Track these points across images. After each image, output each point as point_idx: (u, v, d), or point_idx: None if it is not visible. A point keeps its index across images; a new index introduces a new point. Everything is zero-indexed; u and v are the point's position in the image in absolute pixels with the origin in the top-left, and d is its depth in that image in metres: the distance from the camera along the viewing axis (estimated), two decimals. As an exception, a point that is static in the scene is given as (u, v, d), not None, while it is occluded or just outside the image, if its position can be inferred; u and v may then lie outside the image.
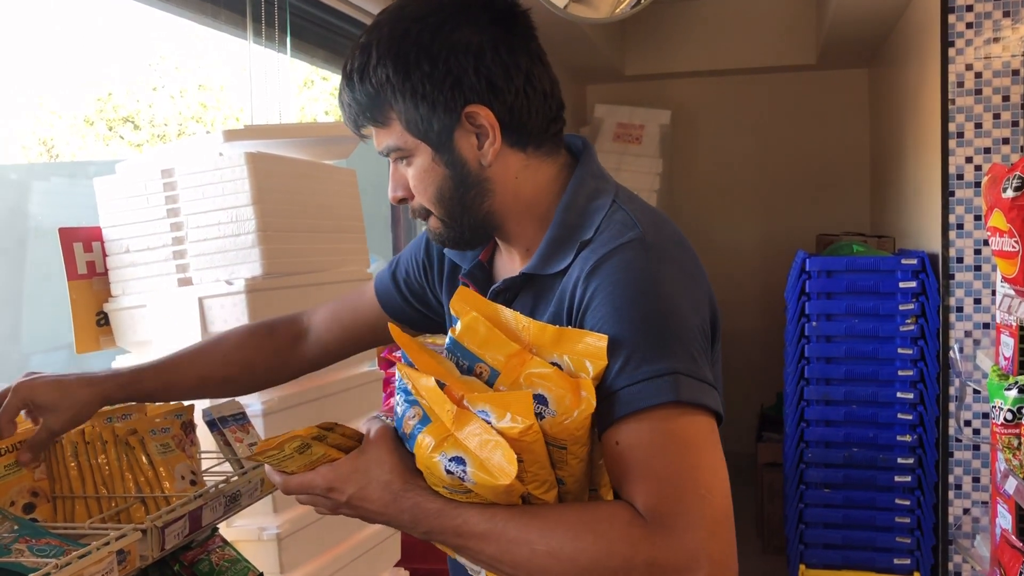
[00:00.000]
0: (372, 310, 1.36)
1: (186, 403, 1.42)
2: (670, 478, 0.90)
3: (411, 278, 1.32)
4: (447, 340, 0.99)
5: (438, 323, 1.34)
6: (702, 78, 5.71)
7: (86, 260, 1.69)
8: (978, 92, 3.30)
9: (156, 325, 1.66)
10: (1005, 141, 3.27)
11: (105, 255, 1.71)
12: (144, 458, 1.29)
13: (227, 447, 1.45)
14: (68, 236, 1.66)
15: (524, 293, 1.10)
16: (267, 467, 1.01)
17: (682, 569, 0.85)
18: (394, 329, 1.01)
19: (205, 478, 1.39)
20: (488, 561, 0.92)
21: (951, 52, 3.32)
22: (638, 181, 5.09)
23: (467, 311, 0.98)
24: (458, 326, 0.97)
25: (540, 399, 0.90)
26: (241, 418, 1.50)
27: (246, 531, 1.63)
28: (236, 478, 1.37)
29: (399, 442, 0.97)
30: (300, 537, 1.68)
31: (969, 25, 3.29)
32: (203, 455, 1.47)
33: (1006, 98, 3.27)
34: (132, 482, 1.28)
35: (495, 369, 0.94)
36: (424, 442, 0.91)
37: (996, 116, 3.28)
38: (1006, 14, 3.24)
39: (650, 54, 5.55)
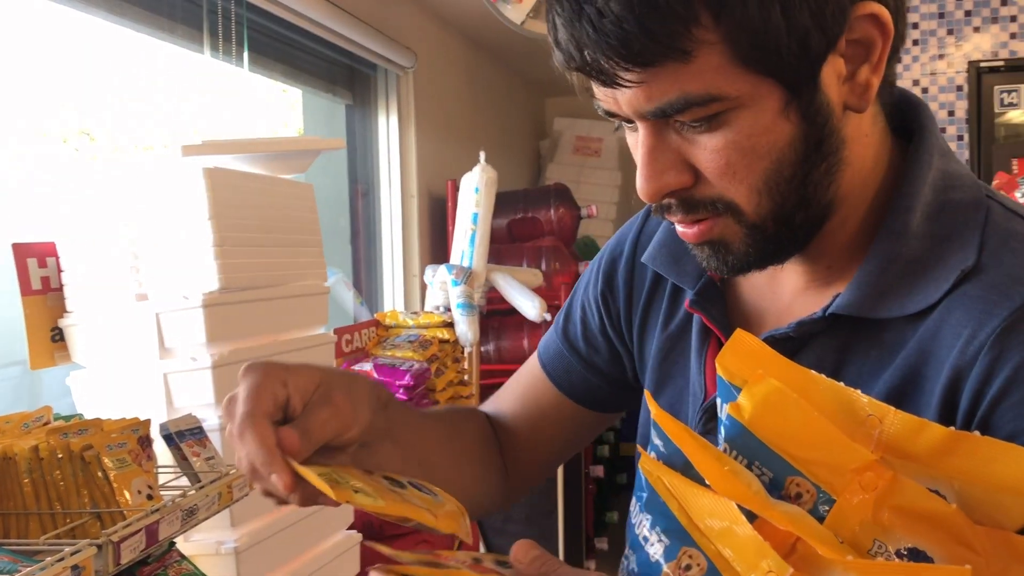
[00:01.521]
0: (547, 393, 0.91)
1: (142, 418, 1.42)
2: None
3: (590, 328, 0.90)
4: (723, 424, 0.58)
5: (633, 394, 0.89)
6: (659, 92, 5.79)
7: (40, 275, 1.69)
8: (924, 107, 3.40)
9: (112, 340, 1.66)
10: (951, 155, 3.38)
11: (60, 270, 1.71)
12: (100, 473, 1.29)
13: (184, 461, 1.45)
14: (22, 252, 1.65)
15: (820, 342, 0.68)
16: None
17: None
18: (651, 400, 0.63)
19: (162, 492, 1.40)
20: None
21: (898, 68, 3.41)
22: (598, 193, 5.14)
23: (759, 376, 0.57)
24: (745, 402, 0.57)
25: (919, 557, 0.52)
26: (198, 432, 1.50)
27: (203, 545, 1.63)
28: (193, 492, 1.37)
29: None
30: (258, 550, 1.68)
31: (916, 42, 3.39)
32: (160, 470, 1.47)
33: (951, 113, 3.37)
34: (88, 497, 1.28)
35: (824, 491, 0.54)
36: None
37: (942, 130, 3.38)
38: (950, 32, 3.34)
39: (608, 68, 5.61)
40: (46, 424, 1.42)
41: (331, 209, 3.26)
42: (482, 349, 3.63)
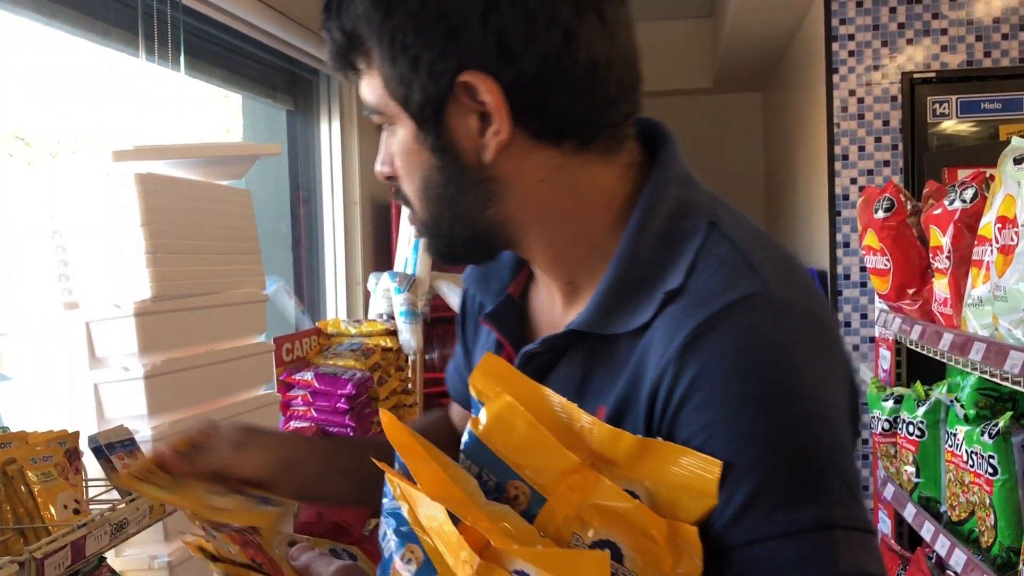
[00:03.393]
0: (453, 415, 1.06)
1: (70, 430, 1.39)
2: None
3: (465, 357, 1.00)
4: (464, 437, 0.67)
5: None
6: (604, 100, 5.84)
7: (-35, 284, 1.64)
8: (861, 117, 3.46)
9: (40, 350, 1.61)
10: (886, 164, 3.45)
11: (-15, 278, 1.66)
12: (23, 488, 1.25)
13: (114, 474, 1.41)
14: (-55, 259, 1.60)
15: (572, 356, 0.76)
16: None
17: None
18: (386, 415, 0.69)
19: (91, 507, 1.36)
20: None
21: (835, 78, 3.48)
22: (543, 201, 5.17)
23: (497, 393, 0.66)
24: (483, 416, 0.66)
25: (610, 548, 0.60)
26: (130, 444, 1.47)
27: (136, 560, 1.59)
28: (123, 505, 1.34)
29: None
30: (192, 565, 1.65)
31: (851, 53, 3.46)
32: (91, 483, 1.43)
33: (886, 123, 3.44)
34: (11, 514, 1.24)
35: (538, 492, 0.63)
36: None
37: (878, 140, 3.46)
38: (884, 44, 3.42)
39: (553, 76, 5.65)
40: (-32, 438, 1.38)
41: (273, 216, 3.22)
42: (426, 357, 3.61)
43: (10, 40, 2.21)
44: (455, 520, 0.59)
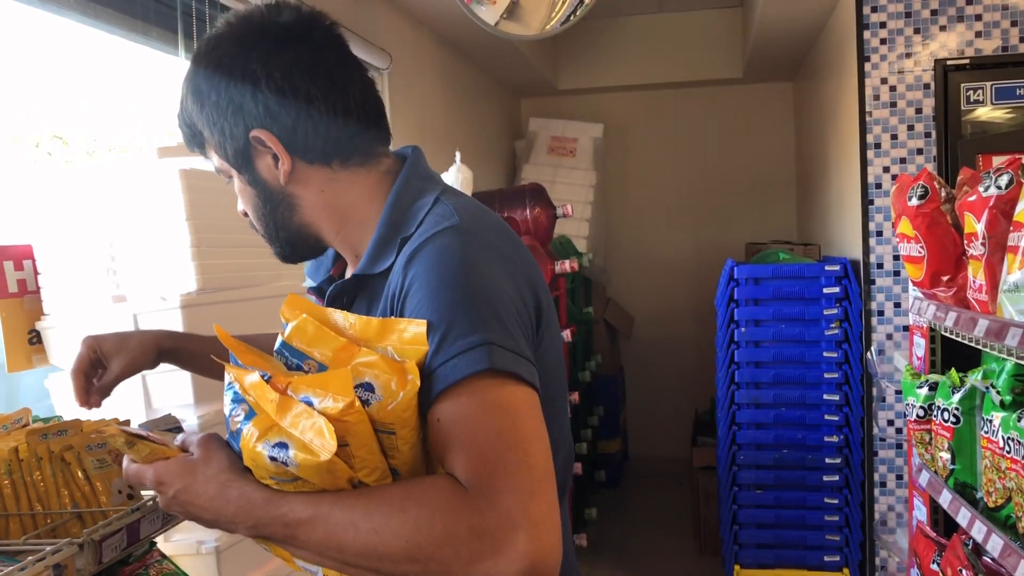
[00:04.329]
0: None
1: (122, 418, 1.43)
2: (487, 444, 0.91)
3: None
4: (276, 344, 1.00)
5: None
6: (633, 92, 5.84)
7: (17, 278, 1.69)
8: (893, 105, 3.44)
9: (90, 342, 1.66)
10: (919, 152, 3.42)
11: (37, 273, 1.71)
12: (80, 473, 1.29)
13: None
14: (-2, 254, 1.65)
15: (360, 297, 1.12)
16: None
17: (503, 531, 0.86)
18: (219, 330, 1.02)
19: (143, 492, 1.40)
20: (316, 549, 0.92)
21: (867, 67, 3.46)
22: (572, 193, 5.17)
23: (297, 315, 0.99)
24: (287, 329, 0.99)
25: (367, 387, 0.91)
26: (178, 432, 1.51)
27: (184, 545, 1.64)
28: (173, 491, 1.38)
29: (225, 444, 1.00)
30: (239, 550, 1.69)
31: (883, 41, 3.44)
32: (140, 470, 1.48)
33: (919, 110, 3.42)
34: (68, 498, 1.28)
35: (323, 364, 0.96)
36: (249, 434, 0.92)
37: (910, 128, 3.43)
38: (916, 31, 3.40)
39: (582, 69, 5.65)
40: (25, 426, 1.43)
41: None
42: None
43: (50, 40, 2.26)
44: (267, 379, 0.93)
